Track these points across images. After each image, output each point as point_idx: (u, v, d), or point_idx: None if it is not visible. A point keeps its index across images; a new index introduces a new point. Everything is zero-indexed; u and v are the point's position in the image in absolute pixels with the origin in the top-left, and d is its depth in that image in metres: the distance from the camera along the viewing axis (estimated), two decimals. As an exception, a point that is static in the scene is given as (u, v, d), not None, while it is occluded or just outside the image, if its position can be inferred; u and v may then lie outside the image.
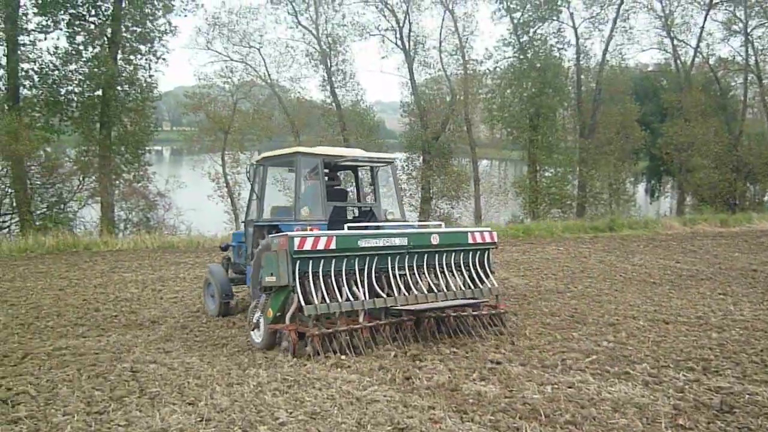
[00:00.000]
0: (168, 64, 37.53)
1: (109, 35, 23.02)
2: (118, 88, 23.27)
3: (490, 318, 7.88)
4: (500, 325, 7.86)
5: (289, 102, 29.86)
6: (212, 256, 15.30)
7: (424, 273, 7.76)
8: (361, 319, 6.97)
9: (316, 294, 6.75)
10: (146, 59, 24.01)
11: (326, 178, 8.76)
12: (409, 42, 28.90)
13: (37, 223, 20.47)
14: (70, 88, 23.06)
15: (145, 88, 24.09)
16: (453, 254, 7.95)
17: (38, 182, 22.05)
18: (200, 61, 75.73)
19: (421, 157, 29.59)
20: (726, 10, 32.51)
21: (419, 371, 5.99)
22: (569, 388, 5.43)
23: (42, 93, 22.59)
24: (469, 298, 7.73)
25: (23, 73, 22.01)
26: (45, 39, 22.81)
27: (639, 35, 50.76)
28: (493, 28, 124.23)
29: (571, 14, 30.24)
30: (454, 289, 7.72)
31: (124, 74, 23.32)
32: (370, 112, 30.69)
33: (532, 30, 29.84)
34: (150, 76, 24.22)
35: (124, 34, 23.41)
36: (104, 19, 23.19)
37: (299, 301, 6.65)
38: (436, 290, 7.63)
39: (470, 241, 8.10)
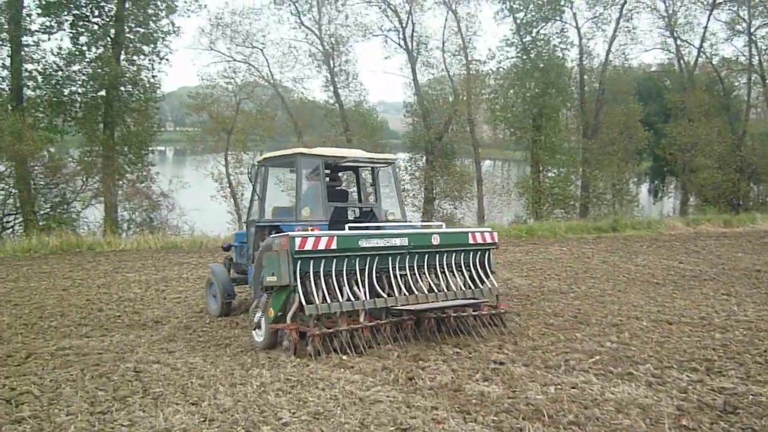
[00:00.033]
0: (171, 65, 37.78)
1: (112, 36, 23.08)
2: (122, 88, 23.31)
3: (491, 318, 7.90)
4: (500, 325, 7.88)
5: (292, 102, 29.85)
6: (215, 257, 15.30)
7: (424, 273, 7.78)
8: (361, 319, 6.98)
9: (317, 294, 6.77)
10: (149, 60, 24.07)
11: (327, 178, 8.79)
12: (412, 42, 28.89)
13: (41, 224, 20.49)
14: (73, 88, 23.10)
15: (148, 88, 24.11)
16: (453, 254, 7.97)
17: (42, 182, 22.07)
18: (203, 61, 75.56)
19: (424, 158, 29.56)
20: (729, 10, 32.49)
21: (422, 372, 5.99)
22: (572, 388, 5.43)
23: (45, 93, 22.63)
24: (469, 298, 7.75)
25: (27, 74, 22.05)
26: (48, 40, 22.90)
27: (642, 35, 50.95)
28: (496, 28, 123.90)
29: (574, 14, 30.27)
30: (455, 290, 7.75)
31: (127, 75, 23.34)
32: (373, 112, 30.69)
33: (535, 30, 29.84)
34: (153, 77, 24.29)
35: (128, 35, 23.46)
36: (108, 19, 23.24)
37: (300, 300, 6.67)
38: (436, 290, 7.64)
39: (471, 241, 8.13)
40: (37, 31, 22.25)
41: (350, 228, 7.39)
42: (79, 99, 23.17)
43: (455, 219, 27.79)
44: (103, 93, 23.13)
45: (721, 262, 14.67)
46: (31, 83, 22.29)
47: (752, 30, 31.97)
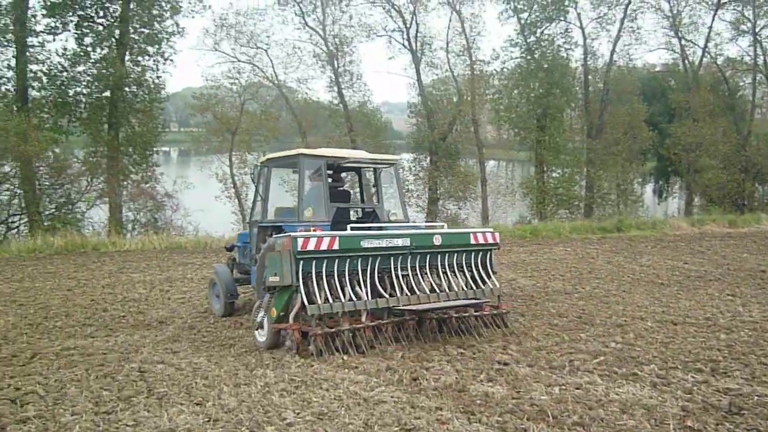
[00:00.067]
0: (176, 66, 37.87)
1: (117, 37, 23.15)
2: (126, 89, 23.39)
3: (492, 318, 7.92)
4: (502, 325, 7.90)
5: (296, 103, 29.86)
6: (219, 257, 15.32)
7: (426, 273, 7.80)
8: (363, 319, 7.00)
9: (319, 294, 6.79)
10: (154, 60, 24.14)
11: (330, 179, 8.80)
12: (416, 43, 28.88)
13: (46, 224, 20.56)
14: (78, 89, 23.20)
15: (152, 89, 24.20)
16: (455, 255, 8.00)
17: (47, 183, 22.14)
18: (208, 62, 75.79)
19: (429, 158, 29.55)
20: (734, 9, 32.37)
21: (426, 372, 5.99)
22: (577, 389, 5.42)
23: (50, 94, 22.72)
24: (471, 299, 7.77)
25: (32, 75, 22.14)
26: (53, 40, 23.00)
27: (647, 35, 50.87)
28: (500, 28, 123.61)
29: (579, 14, 30.16)
30: (456, 290, 7.77)
31: (132, 75, 23.42)
32: (378, 112, 30.68)
33: (539, 30, 29.77)
34: (158, 78, 24.37)
35: (132, 36, 23.53)
36: (112, 20, 23.31)
37: (302, 300, 6.69)
38: (438, 290, 7.65)
39: (472, 241, 8.15)
40: (42, 31, 22.37)
41: (352, 228, 7.41)
42: (83, 100, 23.26)
43: (459, 219, 27.78)
44: (107, 94, 23.21)
45: (726, 262, 14.63)
46: (36, 84, 22.39)
47: (757, 30, 31.86)
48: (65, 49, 22.86)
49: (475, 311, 7.83)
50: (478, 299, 7.82)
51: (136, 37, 23.71)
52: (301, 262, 6.69)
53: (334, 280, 6.97)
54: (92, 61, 22.87)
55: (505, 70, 30.77)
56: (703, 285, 11.53)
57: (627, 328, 7.96)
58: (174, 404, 5.21)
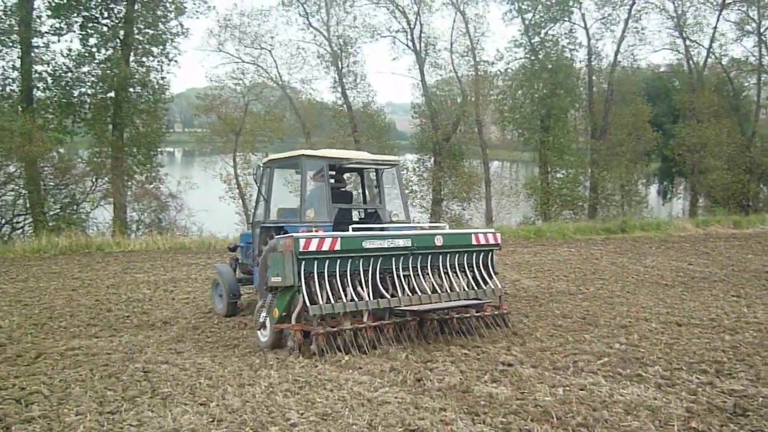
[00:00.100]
0: (180, 66, 37.79)
1: (121, 37, 23.18)
2: (131, 89, 23.41)
3: (494, 319, 7.92)
4: (503, 325, 7.91)
5: (300, 103, 29.90)
6: (223, 257, 15.31)
7: (428, 274, 7.82)
8: (365, 319, 7.01)
9: (321, 294, 6.80)
10: (158, 61, 24.16)
11: (332, 180, 8.81)
12: (420, 43, 28.88)
13: (51, 224, 20.57)
14: (83, 89, 23.23)
15: (157, 89, 24.22)
16: (457, 255, 8.01)
17: (51, 183, 22.18)
18: (212, 62, 75.93)
19: (432, 159, 29.53)
20: (739, 10, 32.32)
21: (430, 373, 5.99)
22: (581, 390, 5.40)
23: (55, 95, 22.77)
24: (472, 299, 7.77)
25: (37, 75, 22.19)
26: (58, 41, 23.16)
27: (651, 36, 50.68)
28: (505, 29, 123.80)
29: (583, 15, 30.17)
30: (458, 290, 7.78)
31: (136, 76, 23.43)
32: (381, 113, 30.68)
33: (543, 31, 29.80)
34: (162, 78, 24.39)
35: (137, 37, 23.55)
36: (117, 21, 23.35)
37: (304, 301, 6.70)
38: (439, 291, 7.66)
39: (474, 242, 8.17)
40: (46, 32, 22.42)
41: (354, 229, 7.42)
42: (88, 100, 23.30)
43: (463, 220, 27.76)
44: (112, 94, 23.22)
45: (730, 263, 14.59)
46: (40, 84, 22.44)
47: (762, 30, 31.83)
48: (70, 49, 22.95)
49: (477, 312, 7.83)
50: (479, 300, 7.83)
51: (141, 38, 23.74)
52: (303, 262, 6.72)
53: (336, 280, 6.98)
54: (97, 61, 22.90)
55: (509, 70, 30.82)
56: (708, 286, 11.50)
57: (631, 329, 7.94)
58: (178, 404, 5.22)
